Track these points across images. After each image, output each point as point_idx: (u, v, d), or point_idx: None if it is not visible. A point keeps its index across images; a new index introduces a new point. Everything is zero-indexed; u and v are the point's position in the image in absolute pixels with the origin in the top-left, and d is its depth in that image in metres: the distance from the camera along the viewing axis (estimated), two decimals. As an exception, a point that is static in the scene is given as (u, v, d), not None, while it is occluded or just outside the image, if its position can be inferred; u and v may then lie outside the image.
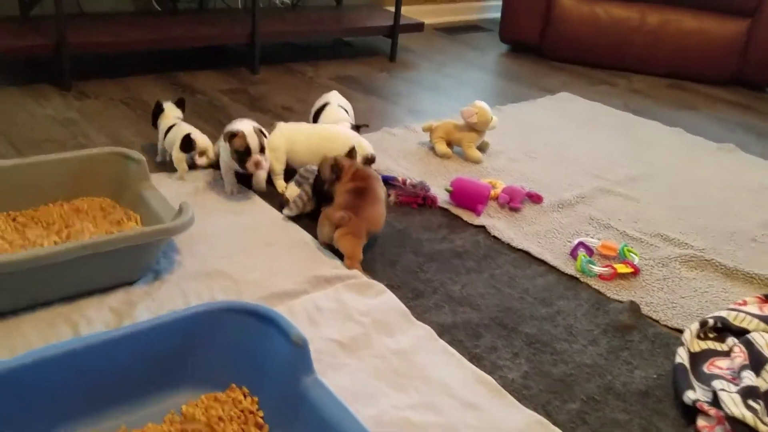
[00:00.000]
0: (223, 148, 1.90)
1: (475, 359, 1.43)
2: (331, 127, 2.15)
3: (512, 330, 1.55)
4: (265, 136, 1.91)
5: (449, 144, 2.49)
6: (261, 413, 1.17)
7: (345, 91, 2.81)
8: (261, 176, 1.96)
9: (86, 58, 2.98)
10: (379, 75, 3.40)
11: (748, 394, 1.26)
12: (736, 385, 1.30)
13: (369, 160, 2.07)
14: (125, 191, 1.73)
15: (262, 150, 1.87)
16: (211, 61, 3.25)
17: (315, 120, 2.32)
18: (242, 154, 1.85)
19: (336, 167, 1.82)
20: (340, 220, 1.66)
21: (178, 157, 2.02)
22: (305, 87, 3.04)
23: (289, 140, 2.06)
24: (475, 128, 2.44)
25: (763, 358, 1.34)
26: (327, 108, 2.33)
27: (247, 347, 1.21)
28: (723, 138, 2.94)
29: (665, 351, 1.51)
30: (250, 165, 1.86)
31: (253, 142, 1.85)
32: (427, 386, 1.33)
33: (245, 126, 1.89)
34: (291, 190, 1.95)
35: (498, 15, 4.27)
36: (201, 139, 2.06)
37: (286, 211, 1.88)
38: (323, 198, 1.85)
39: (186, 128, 2.06)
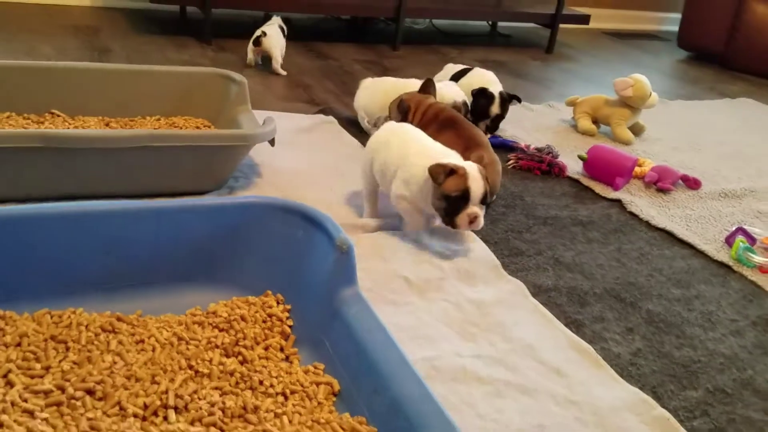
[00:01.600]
0: (418, 180, 1.28)
1: (573, 325, 1.15)
2: (411, 80, 1.93)
3: (630, 304, 1.24)
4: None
5: (595, 121, 2.18)
6: (290, 322, 0.99)
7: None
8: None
9: (231, 22, 3.05)
10: (532, 63, 3.15)
11: None
12: None
13: (456, 107, 1.79)
14: (223, 114, 1.65)
15: (485, 200, 1.25)
16: (353, 36, 3.19)
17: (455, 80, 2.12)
18: (456, 201, 1.23)
19: (402, 105, 1.59)
20: (479, 159, 1.43)
21: (249, 48, 2.41)
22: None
23: (372, 92, 1.90)
24: (629, 104, 2.11)
25: None
26: (470, 72, 2.13)
27: (288, 250, 1.04)
28: None
29: (841, 359, 1.13)
30: (462, 221, 1.23)
31: (476, 185, 1.22)
32: (504, 342, 1.08)
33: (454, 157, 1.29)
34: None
35: (677, 27, 3.82)
36: (267, 40, 2.36)
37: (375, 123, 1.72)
38: None
39: (265, 29, 2.37)
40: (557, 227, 1.51)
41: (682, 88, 3.04)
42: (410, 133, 1.36)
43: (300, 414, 0.83)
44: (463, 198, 1.21)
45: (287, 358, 0.95)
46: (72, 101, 1.57)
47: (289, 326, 0.99)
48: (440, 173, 1.21)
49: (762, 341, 1.17)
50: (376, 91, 1.92)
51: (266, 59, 2.45)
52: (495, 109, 1.95)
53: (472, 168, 1.23)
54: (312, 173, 1.59)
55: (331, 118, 1.97)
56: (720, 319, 1.22)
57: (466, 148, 1.47)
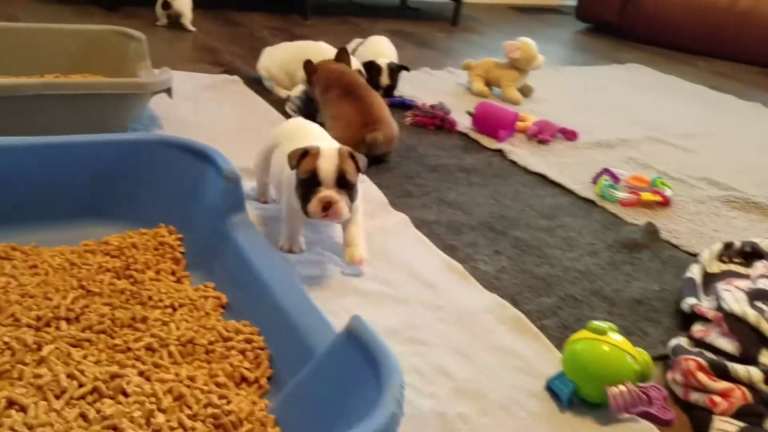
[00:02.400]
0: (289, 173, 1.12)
1: (448, 249, 1.28)
2: (317, 43, 2.03)
3: (500, 233, 1.38)
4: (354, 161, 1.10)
5: (488, 84, 2.33)
6: (182, 249, 1.07)
7: (396, 42, 2.70)
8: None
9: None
10: (438, 34, 3.28)
11: (757, 295, 1.04)
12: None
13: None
14: (122, 70, 1.68)
15: (343, 183, 1.07)
16: (265, 5, 3.24)
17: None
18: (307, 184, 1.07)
19: (308, 66, 1.67)
20: (373, 142, 1.55)
21: (158, 11, 2.54)
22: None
23: (276, 55, 1.99)
24: (517, 66, 2.26)
25: (788, 270, 1.10)
26: (366, 41, 2.24)
27: (180, 184, 1.12)
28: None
29: (677, 271, 1.29)
30: (313, 206, 1.06)
31: (327, 165, 1.06)
32: (385, 263, 1.19)
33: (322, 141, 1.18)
34: (297, 90, 1.86)
35: (576, 1, 4.04)
36: (176, 1, 2.51)
37: (288, 106, 1.80)
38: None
39: None
40: (444, 173, 1.64)
41: (578, 57, 3.24)
42: (313, 133, 1.25)
43: (187, 321, 0.92)
44: (312, 179, 1.04)
45: (179, 281, 1.03)
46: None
47: (181, 253, 1.07)
48: (294, 157, 1.07)
49: (614, 260, 1.33)
50: (279, 54, 1.99)
51: (176, 23, 2.50)
52: (384, 80, 2.06)
53: (329, 149, 1.07)
54: (215, 128, 1.66)
55: (235, 77, 2.03)
56: (579, 243, 1.38)
57: (364, 125, 1.58)
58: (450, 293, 1.13)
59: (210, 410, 0.77)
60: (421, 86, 2.29)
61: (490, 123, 1.89)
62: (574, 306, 1.15)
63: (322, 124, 1.48)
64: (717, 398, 0.89)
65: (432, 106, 1.97)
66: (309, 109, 1.78)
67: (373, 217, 1.34)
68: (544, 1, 4.70)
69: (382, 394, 0.65)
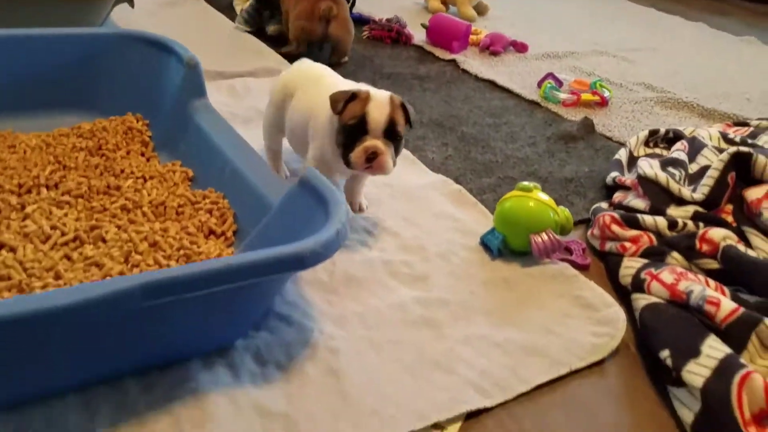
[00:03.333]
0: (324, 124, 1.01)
1: (399, 141, 1.38)
2: None
3: (449, 129, 1.49)
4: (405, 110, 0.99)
5: (444, 2, 2.40)
6: (149, 133, 1.16)
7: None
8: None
9: None
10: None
11: (669, 162, 1.17)
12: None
13: None
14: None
15: (392, 134, 0.96)
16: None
17: None
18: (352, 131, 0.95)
19: None
20: (328, 11, 1.63)
21: None
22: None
23: None
24: (470, -16, 2.34)
25: (702, 145, 1.24)
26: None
27: (141, 75, 1.19)
28: (744, 35, 2.74)
29: (607, 156, 1.42)
30: (357, 156, 0.94)
31: (378, 111, 0.94)
32: (338, 151, 1.30)
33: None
34: (242, 2, 1.92)
35: None
36: None
37: (238, 20, 1.86)
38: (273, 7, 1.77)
39: None
40: (399, 80, 1.73)
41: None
42: (327, 76, 1.10)
43: (158, 189, 1.02)
44: (359, 127, 0.93)
45: (148, 161, 1.12)
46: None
47: (149, 137, 1.16)
48: (340, 100, 0.95)
49: (551, 149, 1.45)
50: None
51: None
52: None
53: (380, 95, 0.96)
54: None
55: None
56: (520, 137, 1.50)
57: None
58: (399, 175, 1.23)
59: (182, 252, 0.87)
60: (378, 3, 2.35)
61: (444, 35, 1.97)
62: (511, 184, 1.27)
63: (272, 37, 1.56)
64: (627, 244, 1.02)
65: (388, 20, 2.04)
66: (258, 21, 1.84)
67: (329, 113, 1.44)
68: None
69: (330, 217, 0.76)
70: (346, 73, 1.72)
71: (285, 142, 1.18)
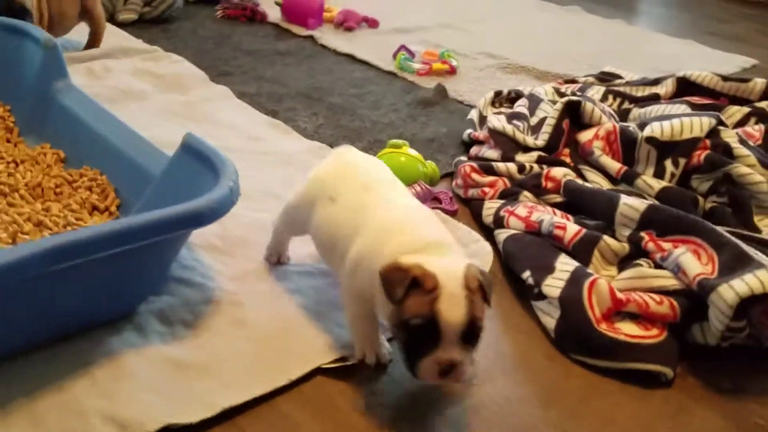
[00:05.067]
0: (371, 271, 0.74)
1: (270, 114, 1.43)
2: None
3: (317, 100, 1.55)
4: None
5: (294, -18, 2.44)
6: (12, 118, 1.12)
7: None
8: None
9: None
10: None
11: (514, 116, 1.32)
12: (510, 119, 1.36)
13: None
14: None
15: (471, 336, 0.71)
16: None
17: None
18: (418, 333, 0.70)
19: None
20: None
21: None
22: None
23: None
24: (318, -37, 2.40)
25: (539, 99, 1.40)
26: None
27: (-2, 59, 1.15)
28: (569, 5, 3.03)
29: (461, 117, 1.56)
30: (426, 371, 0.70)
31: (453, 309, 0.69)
32: (213, 125, 1.33)
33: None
34: None
35: None
36: None
37: None
38: None
39: None
40: (259, 56, 1.77)
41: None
42: (377, 174, 0.88)
43: (31, 172, 1.00)
44: (428, 330, 0.68)
45: (15, 146, 1.09)
46: None
47: (12, 122, 1.12)
48: (396, 285, 0.69)
49: (412, 113, 1.56)
50: None
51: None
52: None
53: (451, 278, 0.69)
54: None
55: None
56: (383, 104, 1.60)
57: None
58: (275, 143, 1.29)
59: (69, 228, 0.88)
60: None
61: (299, 12, 2.03)
62: (380, 147, 1.36)
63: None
64: (486, 189, 1.15)
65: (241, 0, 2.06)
66: (109, 9, 1.78)
67: (195, 90, 1.45)
68: None
69: (220, 176, 0.81)
70: (205, 50, 1.73)
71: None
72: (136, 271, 0.76)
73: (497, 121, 1.29)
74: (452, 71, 1.85)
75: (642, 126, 1.16)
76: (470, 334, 0.69)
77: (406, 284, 0.68)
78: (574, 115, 1.25)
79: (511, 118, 1.31)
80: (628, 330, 0.84)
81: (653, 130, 1.13)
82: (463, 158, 1.29)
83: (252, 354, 0.78)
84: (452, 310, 0.68)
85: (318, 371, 0.78)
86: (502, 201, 1.11)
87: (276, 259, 0.95)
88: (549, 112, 1.30)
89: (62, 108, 1.09)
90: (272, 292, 0.89)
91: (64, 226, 0.88)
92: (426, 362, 0.68)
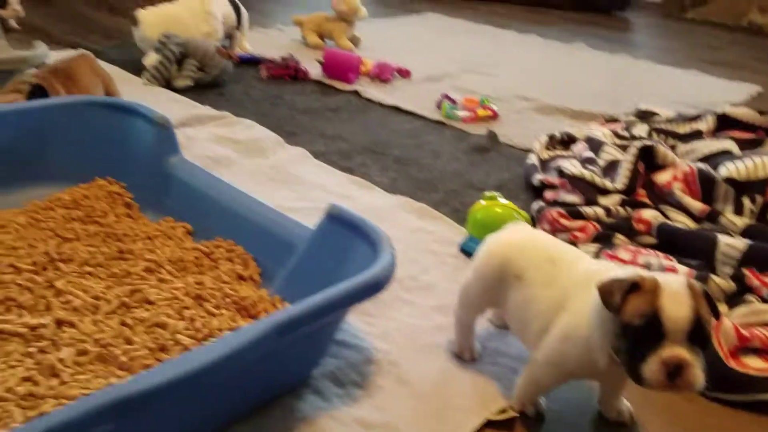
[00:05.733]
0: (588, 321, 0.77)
1: (347, 171, 1.50)
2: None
3: (381, 154, 1.63)
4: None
5: (321, 36, 2.54)
6: (130, 195, 1.18)
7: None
8: None
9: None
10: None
11: (586, 161, 1.41)
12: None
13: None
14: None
15: (699, 337, 0.70)
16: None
17: None
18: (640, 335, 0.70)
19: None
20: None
21: None
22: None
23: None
24: (345, 18, 2.50)
25: (600, 143, 1.49)
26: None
27: (108, 139, 1.21)
28: (573, 42, 3.17)
29: (518, 163, 1.64)
30: (652, 372, 0.69)
31: (676, 306, 0.69)
32: (302, 186, 1.39)
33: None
34: (149, 59, 1.92)
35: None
36: None
37: (144, 77, 1.86)
38: None
39: None
40: (314, 114, 1.85)
41: (380, 10, 3.55)
42: (566, 252, 0.86)
43: (168, 247, 1.05)
44: (650, 329, 0.69)
45: (136, 222, 1.14)
46: None
47: (130, 197, 1.17)
48: (615, 291, 0.71)
49: (472, 161, 1.65)
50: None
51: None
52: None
53: (674, 282, 0.71)
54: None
55: (81, 50, 2.03)
56: (443, 153, 1.68)
57: None
58: (363, 200, 1.36)
59: (229, 299, 0.93)
60: (259, 44, 2.44)
61: (340, 68, 2.11)
62: (457, 196, 1.45)
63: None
64: (577, 233, 1.23)
65: (283, 59, 2.14)
66: (166, 76, 1.85)
67: (274, 153, 1.52)
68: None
69: (378, 243, 0.87)
70: (264, 112, 1.80)
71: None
72: (322, 338, 0.82)
73: (572, 166, 1.38)
74: (495, 116, 1.94)
75: (715, 166, 1.25)
76: (697, 334, 0.67)
77: (626, 287, 0.70)
78: (647, 157, 1.34)
79: (584, 162, 1.40)
80: (754, 364, 0.91)
81: (730, 170, 1.22)
82: (541, 203, 1.36)
83: (423, 411, 0.84)
84: (675, 305, 0.67)
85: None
86: (598, 245, 1.18)
87: (470, 356, 0.93)
88: (616, 155, 1.40)
89: (181, 182, 1.14)
90: (417, 349, 0.94)
91: (223, 297, 0.93)
92: (650, 363, 0.67)
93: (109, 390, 0.58)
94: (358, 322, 0.98)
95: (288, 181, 1.41)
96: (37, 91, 1.32)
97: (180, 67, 1.86)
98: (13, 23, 2.29)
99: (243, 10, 2.29)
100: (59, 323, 0.83)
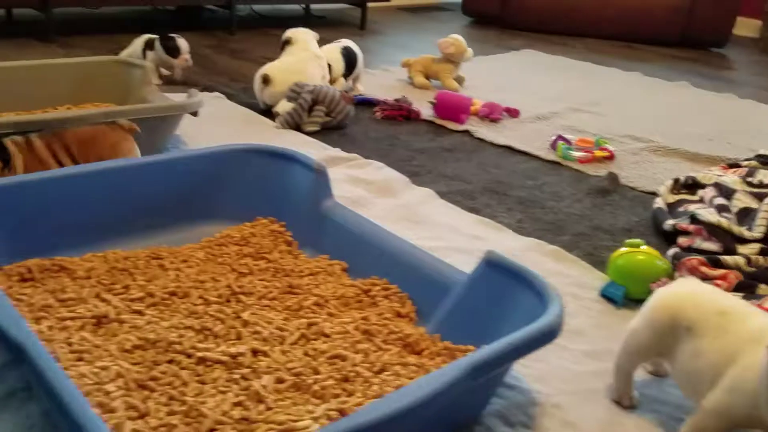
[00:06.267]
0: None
1: (473, 211, 1.56)
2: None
3: (503, 194, 1.68)
4: None
5: (427, 77, 2.63)
6: (289, 233, 1.27)
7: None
8: None
9: (70, 20, 3.04)
10: (351, 37, 3.53)
11: (721, 209, 1.42)
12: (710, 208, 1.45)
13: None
14: (130, 96, 1.80)
15: None
16: (188, 26, 3.34)
17: None
18: None
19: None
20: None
21: (160, 60, 2.28)
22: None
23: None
24: (452, 59, 2.58)
25: (731, 190, 1.50)
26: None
27: (270, 182, 1.31)
28: (676, 80, 3.15)
29: (643, 205, 1.66)
30: None
31: None
32: (434, 226, 1.46)
33: None
34: (282, 106, 2.03)
35: (457, -2, 4.46)
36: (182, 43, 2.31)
37: (277, 122, 1.98)
38: None
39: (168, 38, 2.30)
40: (431, 154, 1.92)
41: (477, 47, 3.63)
42: (725, 297, 0.91)
43: (330, 283, 1.13)
44: None
45: (296, 258, 1.23)
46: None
47: (290, 236, 1.26)
48: None
49: (596, 203, 1.67)
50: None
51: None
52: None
53: None
54: (223, 140, 1.82)
55: (216, 93, 2.18)
56: (564, 195, 1.71)
57: None
58: (495, 242, 1.41)
59: (394, 335, 0.99)
60: (367, 85, 2.54)
61: (451, 109, 2.19)
62: (587, 239, 1.47)
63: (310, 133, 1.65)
64: (718, 281, 1.24)
65: (397, 100, 2.23)
66: (298, 121, 1.97)
67: (403, 194, 1.60)
68: (424, 1, 5.09)
69: (546, 291, 0.91)
70: (384, 152, 1.88)
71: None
72: (498, 379, 0.87)
73: (708, 214, 1.39)
74: (611, 157, 1.96)
75: None
76: None
77: None
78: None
79: (720, 209, 1.41)
80: None
81: None
82: (676, 250, 1.37)
83: (590, 450, 0.87)
84: None
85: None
86: (741, 294, 1.19)
87: (629, 402, 0.96)
88: (749, 202, 1.40)
89: (336, 224, 1.22)
90: (576, 392, 0.98)
91: (388, 333, 1.00)
92: None
93: (345, 420, 0.65)
94: (516, 365, 1.02)
95: (419, 221, 1.47)
96: None
97: (309, 113, 1.97)
98: (178, 73, 2.35)
99: (359, 56, 2.39)
100: (254, 352, 0.92)
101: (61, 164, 1.33)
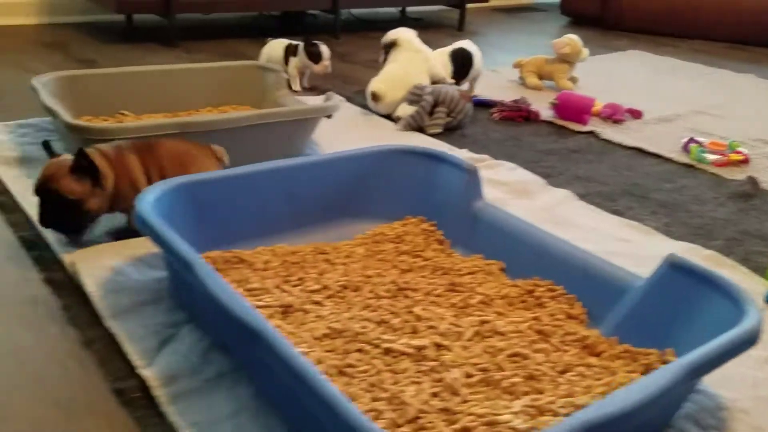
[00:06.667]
0: None
1: (616, 214, 1.53)
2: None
3: (643, 197, 1.64)
4: None
5: (540, 78, 2.60)
6: (441, 232, 1.28)
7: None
8: None
9: (184, 26, 3.18)
10: (450, 40, 3.53)
11: None
12: None
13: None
14: (265, 100, 1.86)
15: None
16: (294, 31, 3.43)
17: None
18: None
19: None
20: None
21: (302, 65, 2.30)
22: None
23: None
24: (567, 59, 2.54)
25: None
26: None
27: (419, 183, 1.32)
28: (798, 78, 3.00)
29: (791, 210, 1.59)
30: None
31: None
32: (578, 228, 1.43)
33: None
34: (403, 110, 2.05)
35: (553, -2, 4.39)
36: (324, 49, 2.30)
37: (399, 126, 1.99)
38: None
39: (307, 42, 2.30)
40: (559, 156, 1.89)
41: (580, 49, 3.56)
42: None
43: (491, 282, 1.13)
44: None
45: (449, 256, 1.23)
46: (136, 102, 1.74)
47: (441, 236, 1.27)
48: None
49: (740, 208, 1.61)
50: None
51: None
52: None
53: None
54: (351, 143, 1.86)
55: (340, 96, 2.23)
56: (705, 198, 1.65)
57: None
58: (644, 245, 1.37)
59: (571, 337, 0.98)
60: (478, 87, 2.53)
61: (574, 109, 2.15)
62: (739, 244, 1.42)
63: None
64: None
65: (515, 101, 2.22)
66: (420, 123, 1.97)
67: (540, 196, 1.58)
68: (520, 1, 5.03)
69: (741, 296, 0.88)
70: (511, 153, 1.87)
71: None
72: (695, 382, 0.85)
73: None
74: (746, 161, 1.88)
75: None
76: None
77: None
78: None
79: None
80: None
81: None
82: (843, 256, 1.31)
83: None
84: None
85: None
86: None
87: None
88: None
89: (489, 224, 1.22)
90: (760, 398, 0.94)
91: (563, 335, 0.99)
92: None
93: (580, 414, 0.65)
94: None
95: (561, 223, 1.45)
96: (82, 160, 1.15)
97: (430, 115, 1.98)
98: (304, 82, 2.38)
99: (476, 56, 2.38)
100: (437, 346, 0.93)
101: (150, 181, 1.21)
